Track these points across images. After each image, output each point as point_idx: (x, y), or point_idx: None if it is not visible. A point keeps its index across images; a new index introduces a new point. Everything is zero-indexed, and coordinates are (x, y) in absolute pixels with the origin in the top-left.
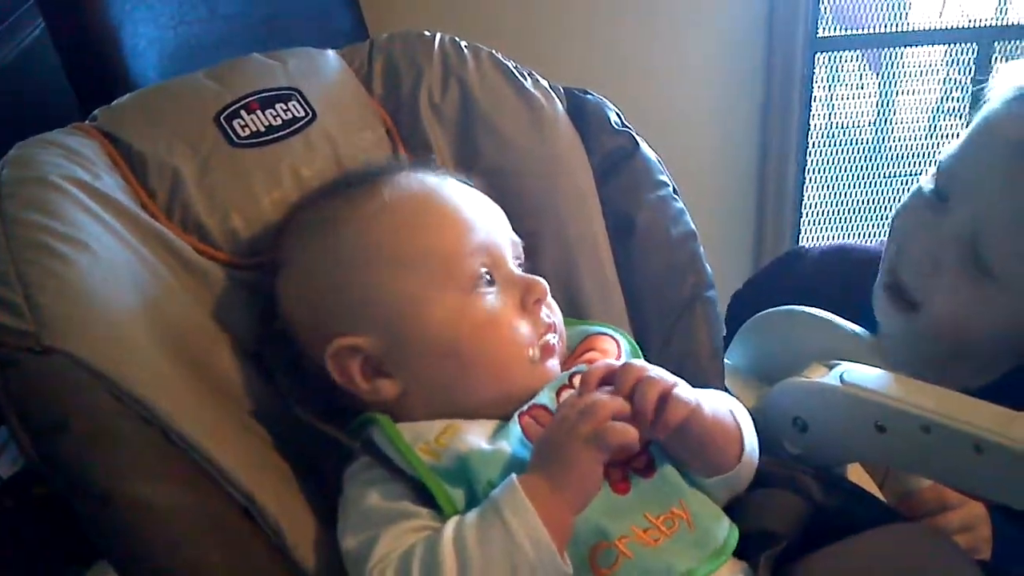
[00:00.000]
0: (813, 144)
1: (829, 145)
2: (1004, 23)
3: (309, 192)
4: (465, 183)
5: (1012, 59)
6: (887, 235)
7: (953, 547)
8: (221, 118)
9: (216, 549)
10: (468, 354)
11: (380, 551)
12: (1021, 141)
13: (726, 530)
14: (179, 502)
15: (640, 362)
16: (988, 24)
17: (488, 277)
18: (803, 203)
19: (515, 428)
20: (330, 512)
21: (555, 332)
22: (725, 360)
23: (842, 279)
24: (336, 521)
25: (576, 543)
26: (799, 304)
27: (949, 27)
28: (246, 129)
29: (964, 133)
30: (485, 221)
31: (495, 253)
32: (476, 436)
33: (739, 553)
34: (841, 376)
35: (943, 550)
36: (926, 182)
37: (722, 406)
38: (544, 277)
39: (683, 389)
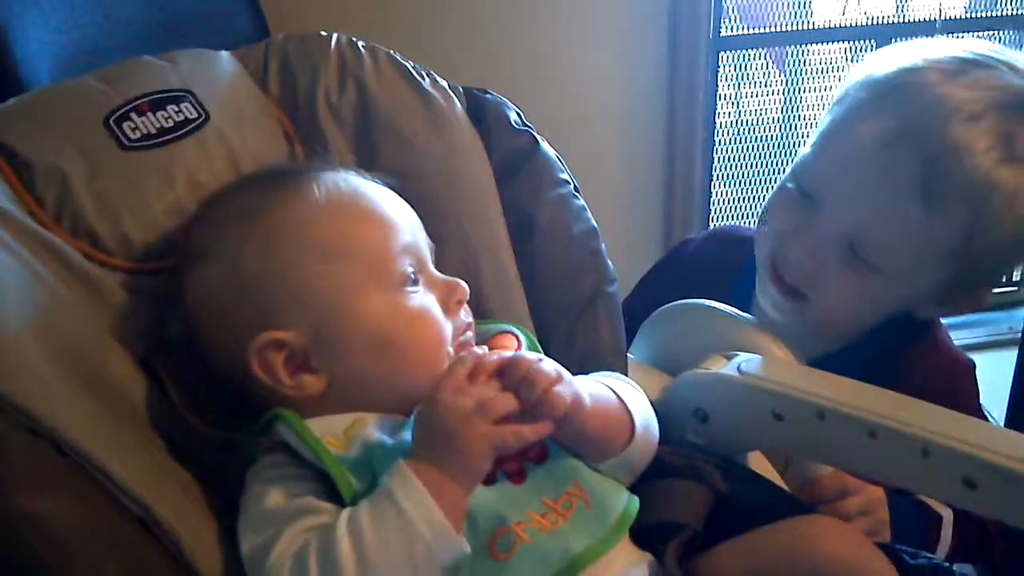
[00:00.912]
0: (720, 141)
1: (736, 142)
2: (903, 20)
3: (220, 188)
4: (382, 185)
5: None
6: (757, 227)
7: (857, 538)
8: (110, 121)
9: (111, 563)
10: (399, 348)
11: (279, 549)
12: (881, 134)
13: (624, 501)
14: (71, 515)
15: (530, 355)
16: (888, 22)
17: (414, 277)
18: (711, 200)
19: None
20: (232, 517)
21: (471, 331)
22: (629, 355)
23: (718, 262)
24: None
25: (476, 531)
26: (684, 291)
27: (850, 25)
28: (137, 132)
29: (817, 135)
30: (408, 223)
31: (419, 255)
32: (381, 430)
33: (645, 544)
34: (739, 367)
35: (847, 541)
36: (788, 180)
37: (607, 393)
38: None
39: (564, 385)
